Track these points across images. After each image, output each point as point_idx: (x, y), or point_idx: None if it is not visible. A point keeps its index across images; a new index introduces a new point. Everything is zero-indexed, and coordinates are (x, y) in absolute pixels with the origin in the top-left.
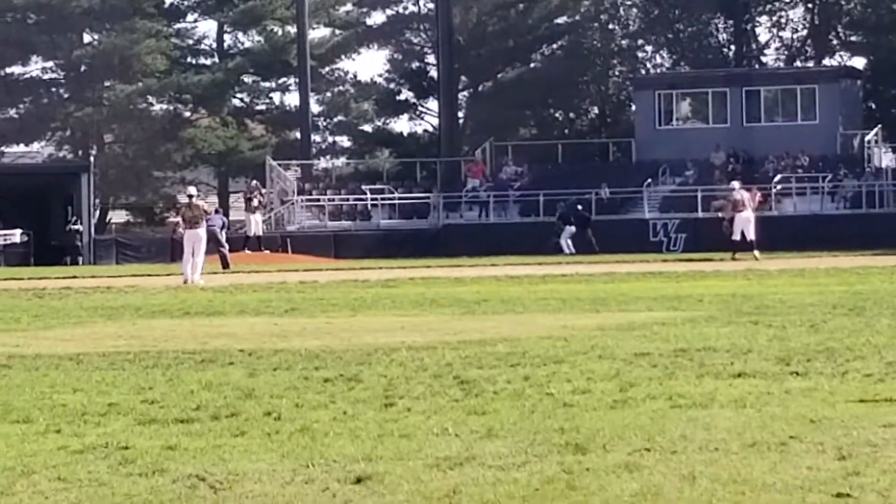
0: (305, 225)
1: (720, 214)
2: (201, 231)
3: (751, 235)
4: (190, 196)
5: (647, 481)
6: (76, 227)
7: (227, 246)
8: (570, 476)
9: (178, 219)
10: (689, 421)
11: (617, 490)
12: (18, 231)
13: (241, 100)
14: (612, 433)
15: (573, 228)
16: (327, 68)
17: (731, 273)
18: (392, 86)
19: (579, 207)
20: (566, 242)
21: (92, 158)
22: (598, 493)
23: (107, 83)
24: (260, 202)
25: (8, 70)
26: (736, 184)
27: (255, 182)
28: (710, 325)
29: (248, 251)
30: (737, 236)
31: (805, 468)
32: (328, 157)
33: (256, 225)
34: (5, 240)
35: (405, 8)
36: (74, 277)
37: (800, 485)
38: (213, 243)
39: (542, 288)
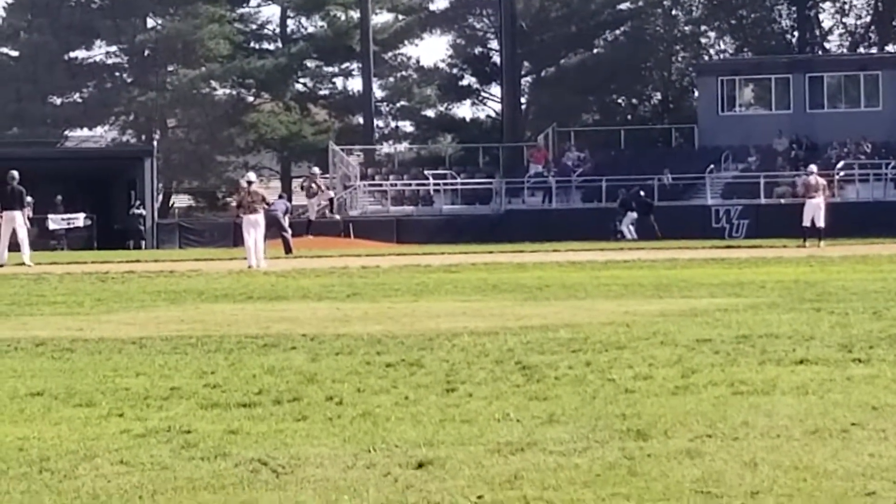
0: (368, 210)
1: (782, 201)
2: (259, 217)
3: (820, 223)
4: (249, 182)
5: (709, 467)
6: (139, 211)
7: (289, 231)
8: (632, 462)
9: (235, 204)
10: (750, 407)
11: (678, 476)
12: (82, 215)
13: (304, 84)
14: (674, 419)
15: (634, 214)
16: (390, 53)
17: (793, 260)
18: (455, 71)
19: (641, 194)
20: (628, 228)
21: (155, 143)
22: (660, 480)
23: (170, 68)
24: (319, 188)
25: (72, 54)
26: (813, 167)
27: (315, 169)
28: (772, 311)
29: (310, 236)
30: (807, 222)
31: (867, 455)
32: (391, 142)
33: (312, 210)
34: (69, 224)
35: None
36: (137, 261)
37: (861, 472)
38: (275, 228)
39: (604, 274)
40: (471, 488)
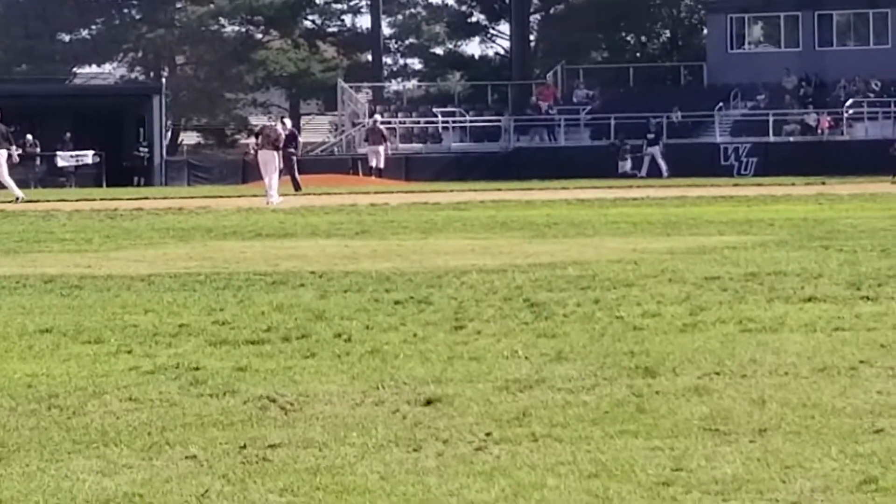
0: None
1: (791, 139)
2: (276, 153)
3: None
4: (283, 122)
5: (717, 405)
6: (142, 151)
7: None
8: (640, 399)
9: (253, 140)
10: (758, 345)
11: (686, 413)
12: (91, 152)
13: (313, 21)
14: (682, 357)
15: (659, 148)
16: None
17: (802, 197)
18: (463, 8)
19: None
20: (661, 163)
21: (164, 80)
22: (668, 417)
23: (178, 4)
24: (382, 135)
25: None
26: None
27: (376, 117)
28: (780, 249)
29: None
30: None
31: (875, 392)
32: (399, 79)
33: (380, 157)
34: (77, 161)
35: None
36: (146, 199)
37: (870, 409)
38: (285, 166)
39: (612, 211)
40: (479, 425)
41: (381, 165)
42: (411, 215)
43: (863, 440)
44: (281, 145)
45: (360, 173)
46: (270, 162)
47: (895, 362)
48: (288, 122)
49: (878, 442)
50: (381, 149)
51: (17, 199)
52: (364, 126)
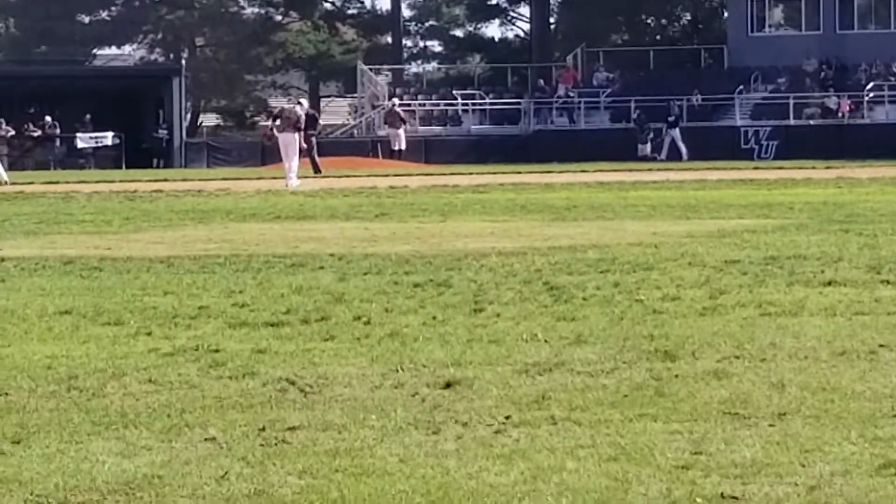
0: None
1: (811, 122)
2: (294, 135)
3: None
4: (300, 104)
5: (736, 388)
6: (161, 133)
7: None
8: (659, 383)
9: (271, 122)
10: (778, 329)
11: (706, 397)
12: (110, 134)
13: (333, 3)
14: (702, 340)
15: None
16: None
17: (822, 181)
18: None
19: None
20: (681, 146)
21: (183, 62)
22: (687, 400)
23: None
24: (401, 117)
25: None
26: None
27: (394, 100)
28: (800, 232)
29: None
30: None
31: (895, 377)
32: (419, 61)
33: (402, 140)
34: (97, 142)
35: None
36: (165, 181)
37: (889, 393)
38: (305, 149)
39: (632, 194)
40: (498, 408)
41: (403, 147)
42: (431, 198)
43: (882, 424)
44: (302, 126)
45: (380, 156)
46: (291, 144)
47: None
48: (305, 101)
49: None
50: (401, 131)
51: (4, 182)
52: (383, 109)
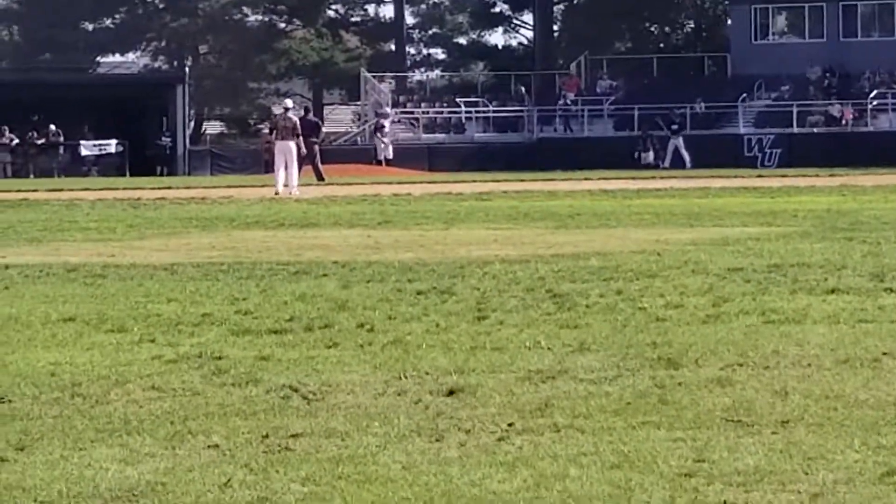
0: (399, 137)
1: (815, 130)
2: (293, 143)
3: None
4: (286, 108)
5: (740, 396)
6: (164, 140)
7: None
8: (662, 390)
9: (266, 129)
10: (782, 336)
11: (709, 405)
12: (114, 141)
13: (336, 11)
14: (705, 348)
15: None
16: None
17: (825, 189)
18: None
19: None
20: (684, 154)
21: (187, 69)
22: (690, 408)
23: None
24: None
25: None
26: None
27: (385, 110)
28: (804, 240)
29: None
30: None
31: None
32: (423, 69)
33: (388, 149)
34: (101, 150)
35: None
36: (169, 188)
37: (892, 401)
38: (308, 156)
39: (635, 202)
40: (501, 416)
41: (390, 156)
42: (434, 205)
43: (885, 432)
44: (299, 132)
45: (383, 163)
46: (290, 152)
47: None
48: (289, 101)
49: None
50: (387, 140)
51: None
52: (373, 124)
